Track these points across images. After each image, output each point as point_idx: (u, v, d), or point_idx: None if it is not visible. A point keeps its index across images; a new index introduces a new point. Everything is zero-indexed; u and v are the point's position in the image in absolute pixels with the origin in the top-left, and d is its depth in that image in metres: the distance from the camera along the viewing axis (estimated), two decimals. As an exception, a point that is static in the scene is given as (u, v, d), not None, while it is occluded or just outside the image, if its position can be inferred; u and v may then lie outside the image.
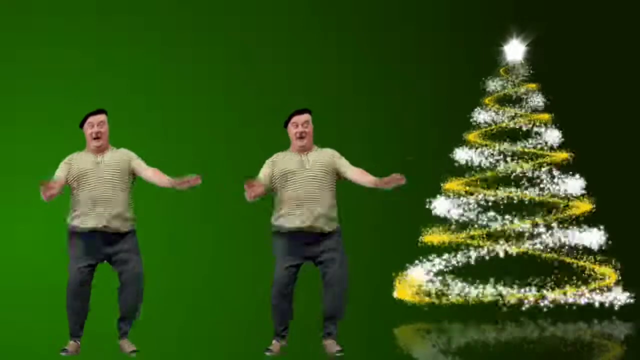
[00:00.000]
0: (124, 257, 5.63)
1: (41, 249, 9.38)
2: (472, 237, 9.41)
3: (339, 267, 5.60)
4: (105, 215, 5.57)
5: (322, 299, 5.68)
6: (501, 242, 9.33)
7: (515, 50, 10.55)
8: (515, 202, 9.61)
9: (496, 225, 9.44)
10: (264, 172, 5.74)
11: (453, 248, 9.38)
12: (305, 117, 5.76)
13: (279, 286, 5.63)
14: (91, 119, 5.74)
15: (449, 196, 9.72)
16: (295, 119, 5.74)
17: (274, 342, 5.71)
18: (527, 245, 9.30)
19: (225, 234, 9.87)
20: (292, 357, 5.71)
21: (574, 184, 9.71)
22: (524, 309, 9.00)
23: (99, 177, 5.62)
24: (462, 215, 9.59)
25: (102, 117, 5.77)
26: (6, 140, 9.92)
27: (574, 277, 9.16)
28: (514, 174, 9.81)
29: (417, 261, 9.33)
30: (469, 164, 9.95)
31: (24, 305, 8.49)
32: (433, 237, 9.48)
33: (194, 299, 9.17)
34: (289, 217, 5.62)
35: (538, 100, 10.43)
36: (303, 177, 5.63)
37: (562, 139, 10.10)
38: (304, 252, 5.64)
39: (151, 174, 5.75)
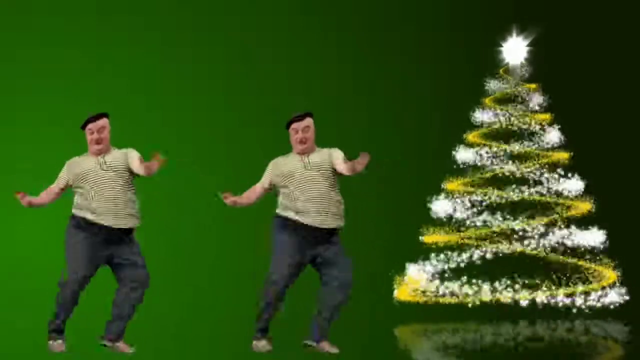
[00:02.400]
0: (130, 259, 5.65)
1: (41, 250, 9.38)
2: (472, 237, 9.41)
3: (349, 268, 5.61)
4: (113, 214, 5.56)
5: (320, 300, 5.65)
6: (501, 242, 9.33)
7: (515, 50, 10.55)
8: (514, 202, 9.61)
9: (496, 225, 9.45)
10: (264, 181, 5.81)
11: (453, 248, 9.38)
12: (306, 122, 5.74)
13: (280, 286, 5.61)
14: (91, 126, 5.72)
15: (449, 196, 9.72)
16: (295, 125, 5.73)
17: (263, 342, 5.69)
18: (526, 245, 9.30)
19: (226, 233, 9.88)
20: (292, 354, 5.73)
21: (574, 184, 9.71)
22: (523, 309, 9.00)
23: (102, 178, 5.61)
24: (463, 215, 9.59)
25: (102, 123, 5.74)
26: (6, 140, 9.92)
27: (574, 277, 9.16)
28: (513, 174, 9.81)
29: (417, 261, 9.33)
30: (469, 164, 9.95)
31: (25, 306, 8.49)
32: (433, 237, 9.48)
33: (193, 298, 9.18)
34: (303, 214, 5.60)
35: (538, 100, 10.43)
36: (308, 178, 5.63)
37: (562, 139, 10.10)
38: (312, 251, 5.61)
39: (137, 166, 5.67)
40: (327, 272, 5.60)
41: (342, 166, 5.62)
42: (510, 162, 9.91)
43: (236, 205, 5.72)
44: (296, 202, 5.60)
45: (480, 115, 10.30)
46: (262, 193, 5.81)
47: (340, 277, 5.56)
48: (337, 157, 5.69)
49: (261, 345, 5.68)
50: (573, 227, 9.41)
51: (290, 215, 5.62)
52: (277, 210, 5.72)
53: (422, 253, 9.39)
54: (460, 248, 9.38)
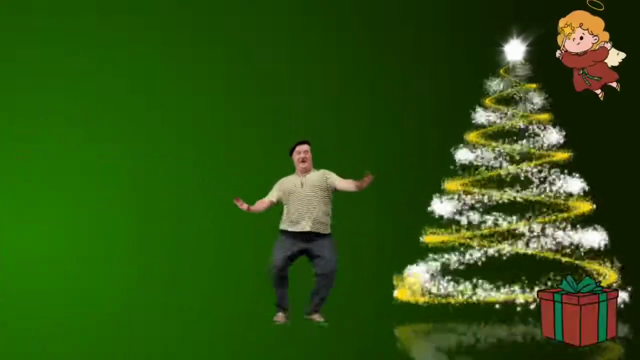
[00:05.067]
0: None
1: (42, 249, 9.39)
2: (472, 237, 9.42)
3: (329, 262, 7.31)
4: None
5: (316, 284, 7.36)
6: (501, 242, 9.34)
7: (515, 50, 10.54)
8: (515, 202, 9.61)
9: (496, 226, 9.45)
10: (274, 192, 7.49)
11: (453, 248, 9.38)
12: (305, 147, 7.52)
13: (278, 266, 7.25)
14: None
15: (449, 196, 9.73)
16: (298, 148, 7.50)
17: (279, 313, 7.42)
18: (526, 246, 9.31)
19: (225, 232, 9.88)
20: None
21: (574, 184, 9.71)
22: (523, 309, 9.00)
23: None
24: (462, 215, 9.59)
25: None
26: (6, 140, 9.93)
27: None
28: (513, 174, 9.82)
29: (417, 261, 9.33)
30: (469, 164, 9.95)
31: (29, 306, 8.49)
32: (433, 237, 9.48)
33: (193, 300, 9.20)
34: (293, 224, 7.37)
35: (538, 100, 10.43)
36: (302, 195, 7.38)
37: (562, 139, 10.09)
38: (301, 246, 7.32)
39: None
40: (316, 263, 7.34)
41: (344, 184, 7.34)
42: (510, 162, 9.92)
43: (249, 211, 7.29)
44: (292, 214, 7.36)
45: (480, 115, 10.30)
46: (270, 205, 7.48)
47: (325, 267, 7.29)
48: (333, 180, 7.39)
49: (278, 318, 7.38)
50: (573, 227, 9.41)
51: (286, 227, 7.39)
52: (280, 225, 7.46)
53: (422, 253, 9.39)
54: (460, 248, 9.38)
